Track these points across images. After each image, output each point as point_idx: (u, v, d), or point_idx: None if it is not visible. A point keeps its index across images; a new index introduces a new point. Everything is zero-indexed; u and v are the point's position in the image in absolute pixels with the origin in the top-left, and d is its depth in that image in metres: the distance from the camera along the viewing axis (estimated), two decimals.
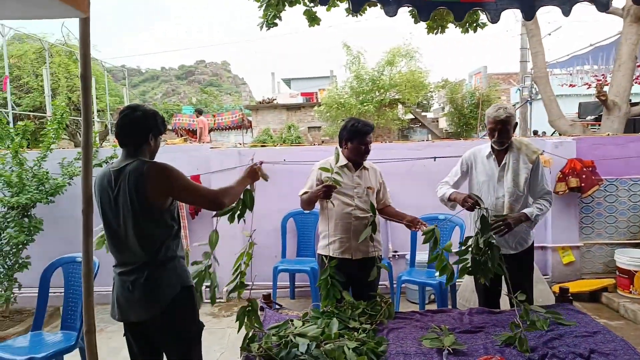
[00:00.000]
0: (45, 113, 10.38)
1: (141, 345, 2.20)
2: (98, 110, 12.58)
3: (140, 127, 2.09)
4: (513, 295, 2.44)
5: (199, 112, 14.50)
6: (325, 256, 2.95)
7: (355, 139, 2.85)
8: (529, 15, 3.00)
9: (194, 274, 2.18)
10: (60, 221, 4.57)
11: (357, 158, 2.92)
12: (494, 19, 2.96)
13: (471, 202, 2.69)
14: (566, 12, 2.90)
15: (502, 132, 2.77)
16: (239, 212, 2.28)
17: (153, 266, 2.05)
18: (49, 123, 4.55)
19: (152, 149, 2.16)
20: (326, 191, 2.71)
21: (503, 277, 2.66)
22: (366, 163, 2.99)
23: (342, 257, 2.90)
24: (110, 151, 4.61)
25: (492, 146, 2.90)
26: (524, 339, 2.21)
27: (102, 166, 4.41)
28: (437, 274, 2.72)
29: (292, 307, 3.12)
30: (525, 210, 2.78)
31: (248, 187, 2.31)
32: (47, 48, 11.34)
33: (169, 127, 17.46)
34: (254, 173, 2.34)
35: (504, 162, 2.86)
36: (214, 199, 2.10)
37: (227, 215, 2.23)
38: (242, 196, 2.28)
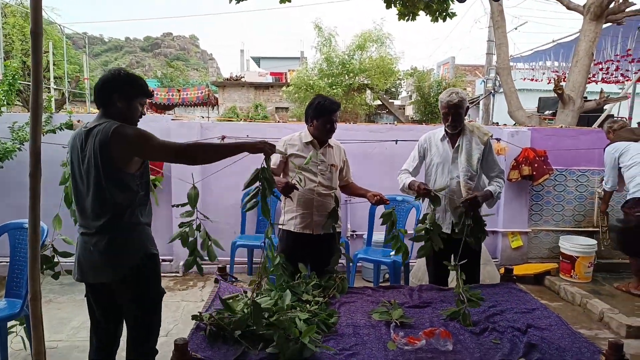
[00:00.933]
0: None
1: (100, 307, 2.19)
2: (55, 77, 11.98)
3: (103, 87, 2.07)
4: (459, 273, 2.55)
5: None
6: (286, 231, 2.99)
7: (322, 116, 2.86)
8: None
9: (177, 235, 2.17)
10: (9, 187, 4.39)
11: (322, 136, 2.93)
12: None
13: (422, 192, 2.81)
14: None
15: (455, 116, 2.87)
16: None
17: (116, 231, 2.03)
18: None
19: (124, 111, 2.08)
20: (284, 188, 2.72)
21: (452, 255, 2.80)
22: (331, 141, 3.01)
23: (302, 232, 2.94)
24: (65, 117, 4.43)
25: (445, 130, 2.99)
26: (467, 314, 2.32)
27: (55, 132, 4.24)
28: (393, 252, 2.80)
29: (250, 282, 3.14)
30: (489, 188, 2.91)
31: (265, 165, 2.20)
32: (1, 7, 10.65)
33: None
34: (258, 146, 2.17)
35: (457, 144, 2.96)
36: (185, 149, 2.06)
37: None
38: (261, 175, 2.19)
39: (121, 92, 2.06)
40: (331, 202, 2.93)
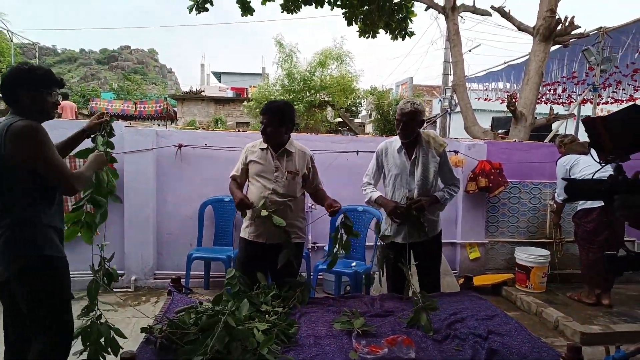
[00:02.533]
0: None
1: (5, 306, 2.13)
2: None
3: (6, 84, 2.02)
4: (409, 274, 2.58)
5: (64, 96, 13.52)
6: (243, 239, 2.92)
7: (263, 118, 2.80)
8: None
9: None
10: None
11: (264, 140, 2.86)
12: None
13: (397, 214, 2.83)
14: None
15: (407, 125, 2.84)
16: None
17: (8, 229, 1.97)
18: None
19: (30, 106, 2.04)
20: (238, 205, 2.74)
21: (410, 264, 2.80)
22: (294, 147, 2.91)
23: (256, 240, 2.86)
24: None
25: (402, 141, 2.97)
26: (428, 322, 2.29)
27: None
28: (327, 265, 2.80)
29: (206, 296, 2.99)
30: (436, 194, 2.92)
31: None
32: None
33: (85, 112, 16.27)
34: (101, 159, 2.26)
35: (414, 155, 2.93)
36: (67, 180, 2.02)
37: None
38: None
39: (24, 86, 2.02)
40: (287, 210, 2.82)
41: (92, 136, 2.41)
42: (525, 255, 4.72)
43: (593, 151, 1.55)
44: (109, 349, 2.08)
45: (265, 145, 2.87)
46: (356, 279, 3.82)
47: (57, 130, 2.72)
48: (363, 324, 2.26)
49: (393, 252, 2.84)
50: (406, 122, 2.83)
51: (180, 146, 4.55)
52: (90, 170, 2.20)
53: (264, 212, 2.66)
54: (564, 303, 4.40)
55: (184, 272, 4.22)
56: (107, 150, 2.37)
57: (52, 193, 2.10)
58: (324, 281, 4.50)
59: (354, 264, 3.98)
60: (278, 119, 2.77)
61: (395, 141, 3.02)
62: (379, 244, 2.87)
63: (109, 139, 2.42)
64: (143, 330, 2.03)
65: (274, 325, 2.17)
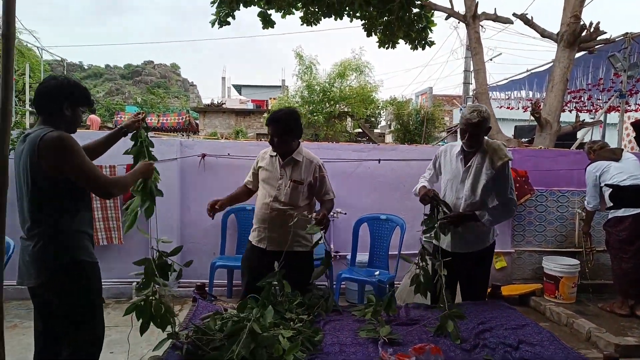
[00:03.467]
0: None
1: (37, 312, 2.17)
2: (30, 100, 11.73)
3: (53, 95, 2.07)
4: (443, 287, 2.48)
5: (91, 110, 13.85)
6: (249, 241, 2.97)
7: (269, 129, 2.81)
8: None
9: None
10: None
11: (272, 149, 2.87)
12: None
13: (428, 199, 2.72)
14: None
15: (473, 135, 2.68)
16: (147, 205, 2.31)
17: (43, 236, 2.00)
18: None
19: (69, 120, 2.11)
20: (210, 205, 2.92)
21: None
22: (302, 155, 2.87)
23: (257, 245, 2.88)
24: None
25: (462, 145, 2.83)
26: (456, 330, 2.24)
27: None
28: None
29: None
30: (477, 212, 2.74)
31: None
32: None
33: (110, 125, 16.67)
34: (148, 169, 2.28)
35: (469, 163, 2.78)
36: (103, 186, 2.07)
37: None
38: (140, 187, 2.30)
39: (72, 102, 2.08)
40: (289, 219, 2.70)
41: (130, 134, 2.46)
42: (554, 265, 4.59)
43: None
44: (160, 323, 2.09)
45: (274, 153, 2.89)
46: (380, 288, 3.77)
47: (85, 141, 2.79)
48: (389, 332, 2.23)
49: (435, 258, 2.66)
50: (472, 132, 2.67)
51: (203, 156, 4.61)
52: (134, 177, 2.24)
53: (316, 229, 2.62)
54: (596, 314, 4.26)
55: (207, 281, 4.24)
56: (147, 146, 2.43)
57: (82, 200, 2.14)
58: (346, 290, 4.45)
59: (377, 272, 3.94)
60: (282, 128, 2.76)
61: (458, 145, 2.88)
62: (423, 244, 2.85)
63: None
64: (170, 336, 2.03)
65: (299, 332, 2.16)
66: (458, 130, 2.79)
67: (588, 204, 4.39)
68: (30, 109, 11.13)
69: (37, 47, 12.56)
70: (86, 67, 73.34)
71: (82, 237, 2.11)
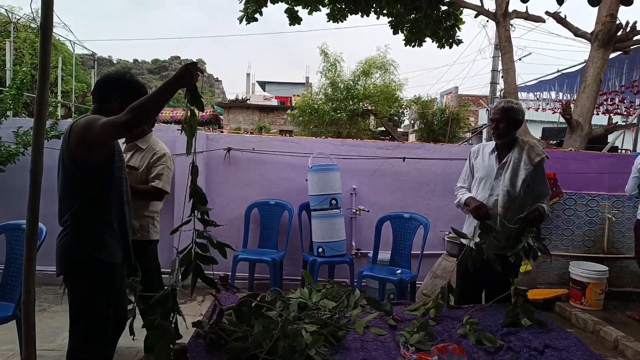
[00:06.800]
0: (5, 86, 9.91)
1: None
2: (62, 92, 12.08)
3: (105, 85, 2.08)
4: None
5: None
6: None
7: None
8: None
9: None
10: (11, 192, 4.31)
11: None
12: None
13: (482, 214, 2.62)
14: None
15: (500, 122, 2.68)
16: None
17: (66, 229, 1.98)
18: (7, 89, 4.30)
19: (115, 112, 1.97)
20: None
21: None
22: (147, 144, 2.83)
23: None
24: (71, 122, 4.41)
25: (496, 143, 2.82)
26: (481, 333, 2.21)
27: (60, 138, 4.19)
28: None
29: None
30: (543, 205, 2.67)
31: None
32: (13, 21, 10.82)
33: None
34: (187, 70, 1.71)
35: (505, 160, 2.75)
36: (116, 119, 1.76)
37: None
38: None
39: (121, 93, 2.05)
40: (138, 205, 2.69)
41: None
42: (581, 270, 4.47)
43: None
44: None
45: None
46: (401, 286, 3.75)
47: None
48: (419, 340, 2.19)
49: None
50: (498, 119, 2.69)
51: (229, 149, 4.66)
52: (164, 87, 1.75)
53: None
54: (623, 322, 4.14)
55: (230, 273, 4.28)
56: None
57: (109, 189, 2.03)
58: (367, 288, 4.44)
59: (399, 271, 3.91)
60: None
61: (491, 143, 2.87)
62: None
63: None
64: (194, 324, 2.07)
65: (324, 325, 2.16)
66: (488, 124, 2.77)
67: (626, 191, 4.38)
68: (62, 100, 11.45)
69: (70, 41, 12.91)
70: (115, 62, 74.95)
71: (103, 232, 2.01)
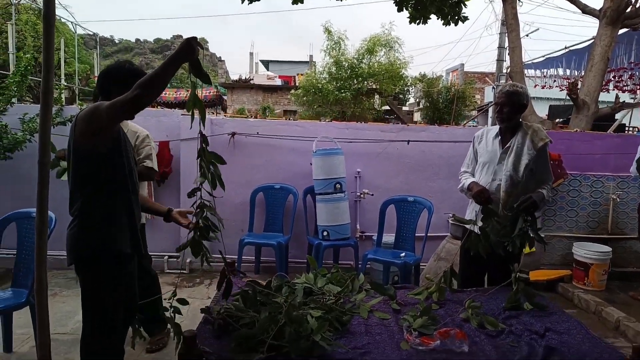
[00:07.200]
0: (9, 71, 9.89)
1: None
2: (66, 75, 12.04)
3: (106, 76, 2.11)
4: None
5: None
6: None
7: None
8: None
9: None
10: (19, 179, 4.37)
11: None
12: None
13: (484, 199, 2.64)
14: None
15: (504, 106, 2.70)
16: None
17: (75, 219, 2.00)
18: (11, 76, 4.31)
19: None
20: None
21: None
22: (124, 126, 2.68)
23: None
24: (76, 110, 4.42)
25: (500, 128, 2.83)
26: (483, 316, 2.25)
27: (65, 124, 4.22)
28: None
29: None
30: (542, 191, 2.69)
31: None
32: (15, 3, 10.74)
33: None
34: (187, 44, 1.71)
35: (508, 144, 2.76)
36: (123, 98, 1.73)
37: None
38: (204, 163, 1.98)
39: (120, 85, 2.02)
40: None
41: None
42: (585, 251, 4.50)
43: None
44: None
45: None
46: (405, 269, 3.80)
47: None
48: (421, 324, 2.23)
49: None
50: (502, 103, 2.71)
51: (233, 134, 4.67)
52: (167, 65, 1.73)
53: None
54: (626, 302, 4.18)
55: (236, 257, 4.35)
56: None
57: (115, 179, 2.03)
58: (371, 270, 4.50)
59: (403, 254, 3.95)
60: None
61: (495, 128, 2.89)
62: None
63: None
64: (202, 310, 2.12)
65: (329, 310, 2.20)
66: (493, 108, 2.78)
67: (631, 171, 4.39)
68: (65, 84, 11.42)
69: (72, 23, 12.80)
70: (117, 42, 74.31)
71: (110, 222, 2.01)
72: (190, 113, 1.84)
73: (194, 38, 1.75)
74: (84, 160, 1.95)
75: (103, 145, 1.95)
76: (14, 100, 4.23)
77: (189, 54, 1.71)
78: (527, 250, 4.82)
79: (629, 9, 5.79)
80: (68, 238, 2.01)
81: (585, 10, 6.24)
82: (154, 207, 2.53)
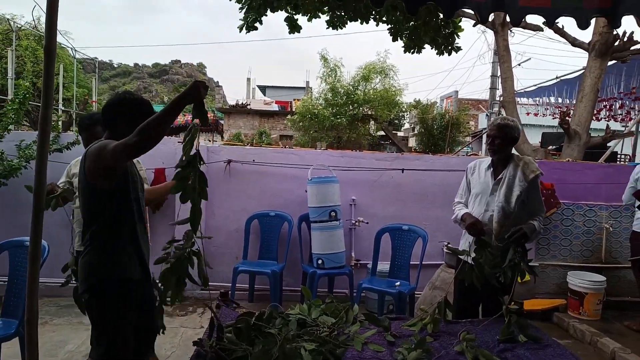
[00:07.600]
0: (7, 96, 9.95)
1: None
2: (64, 99, 12.11)
3: (108, 110, 2.12)
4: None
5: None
6: None
7: None
8: (549, 23, 2.61)
9: (173, 259, 1.97)
10: (13, 206, 4.35)
11: None
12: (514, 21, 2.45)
13: (477, 231, 2.66)
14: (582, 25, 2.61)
15: (495, 138, 2.75)
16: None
17: (85, 250, 2.06)
18: (9, 103, 4.35)
19: (125, 133, 2.01)
20: None
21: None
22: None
23: None
24: (72, 136, 4.45)
25: (492, 159, 2.88)
26: (478, 350, 2.24)
27: (62, 151, 4.24)
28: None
29: (251, 309, 3.06)
30: (534, 223, 2.71)
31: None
32: (15, 30, 10.88)
33: None
34: (195, 86, 1.76)
35: (500, 176, 2.80)
36: (126, 141, 1.78)
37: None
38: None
39: (125, 115, 2.08)
40: None
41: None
42: (579, 280, 4.50)
43: None
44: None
45: None
46: (400, 299, 3.78)
47: None
48: (416, 357, 2.22)
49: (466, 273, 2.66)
50: (494, 136, 2.76)
51: (229, 162, 4.70)
52: (171, 107, 1.76)
53: None
54: (621, 332, 4.16)
55: (230, 284, 4.32)
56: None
57: (120, 212, 2.09)
58: (366, 299, 4.47)
59: (398, 283, 3.94)
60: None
61: (487, 159, 2.94)
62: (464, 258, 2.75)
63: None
64: (195, 343, 2.09)
65: (323, 343, 2.18)
66: (485, 138, 2.83)
67: (622, 199, 4.39)
68: (62, 108, 11.48)
69: (71, 48, 12.97)
70: (116, 66, 75.16)
71: (116, 253, 2.07)
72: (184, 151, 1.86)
73: (203, 82, 1.79)
74: (93, 194, 2.04)
75: (110, 181, 2.03)
76: (10, 127, 4.25)
77: (195, 96, 1.77)
78: (523, 279, 4.83)
79: (617, 43, 5.95)
80: (79, 267, 2.08)
81: (575, 43, 6.42)
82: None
